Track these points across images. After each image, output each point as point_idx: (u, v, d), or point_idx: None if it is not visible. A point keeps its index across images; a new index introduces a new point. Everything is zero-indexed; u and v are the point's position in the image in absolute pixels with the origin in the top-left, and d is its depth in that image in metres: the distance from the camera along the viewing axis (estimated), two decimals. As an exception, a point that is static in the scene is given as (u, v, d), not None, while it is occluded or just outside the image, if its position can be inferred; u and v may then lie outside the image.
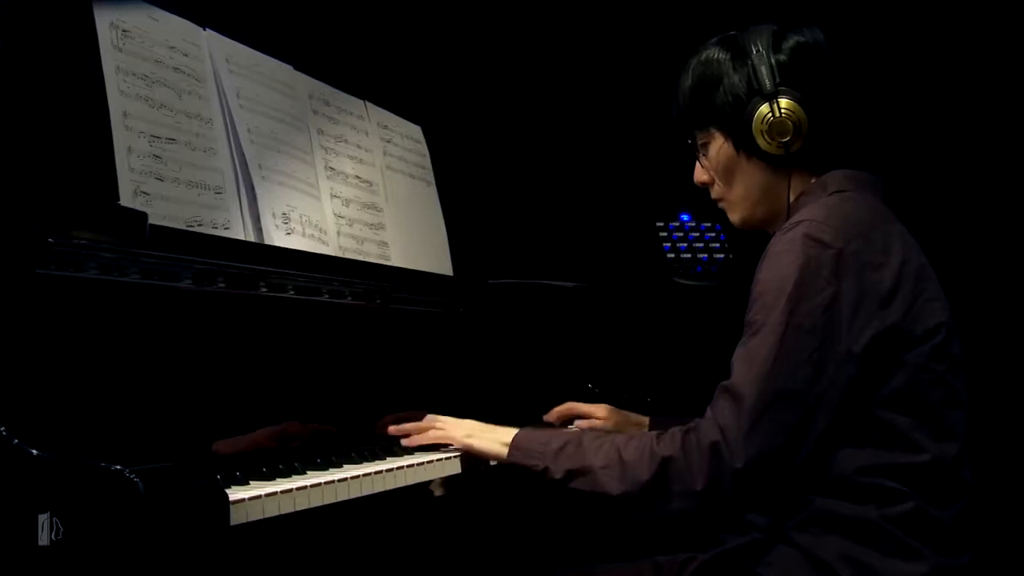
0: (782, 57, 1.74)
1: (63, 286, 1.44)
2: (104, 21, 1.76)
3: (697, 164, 1.86)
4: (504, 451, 1.83)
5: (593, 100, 3.30)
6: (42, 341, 1.40)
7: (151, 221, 1.55)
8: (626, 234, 3.22)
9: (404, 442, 1.93)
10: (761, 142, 1.73)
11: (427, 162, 2.64)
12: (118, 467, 1.25)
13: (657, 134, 3.24)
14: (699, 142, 1.83)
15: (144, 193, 1.74)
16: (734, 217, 1.85)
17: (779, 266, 1.61)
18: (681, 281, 3.05)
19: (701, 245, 3.10)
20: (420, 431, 1.94)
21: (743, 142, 1.76)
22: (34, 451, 1.28)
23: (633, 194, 3.28)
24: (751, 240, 1.89)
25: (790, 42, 1.75)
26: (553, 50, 3.24)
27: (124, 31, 1.80)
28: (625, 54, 3.27)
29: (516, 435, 1.83)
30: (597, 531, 2.63)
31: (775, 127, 1.72)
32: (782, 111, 1.71)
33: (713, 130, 1.80)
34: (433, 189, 2.64)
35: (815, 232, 1.60)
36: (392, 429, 1.95)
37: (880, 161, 1.93)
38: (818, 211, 1.65)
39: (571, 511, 2.50)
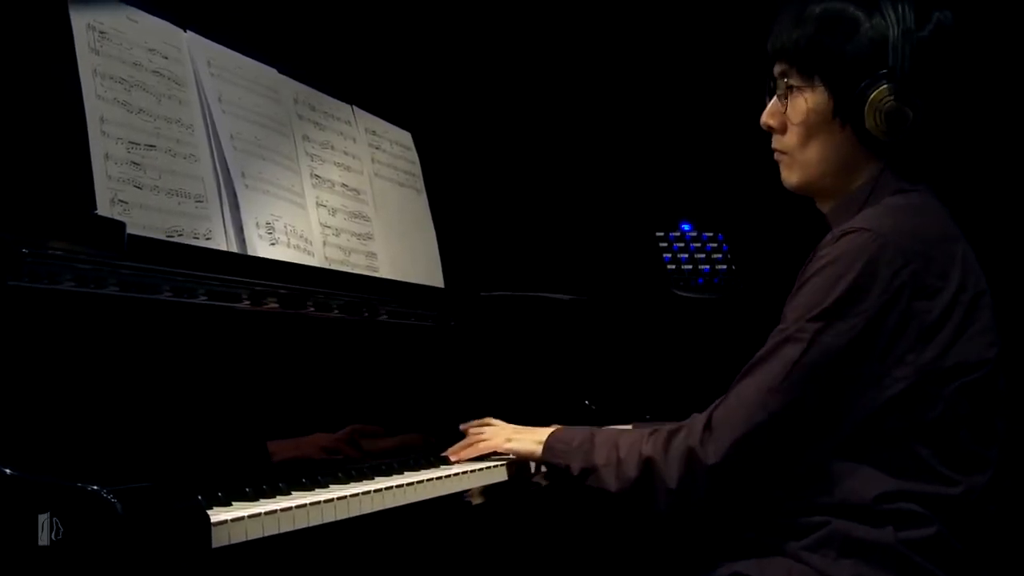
0: (924, 35, 1.63)
1: (37, 298, 1.44)
2: (80, 22, 1.76)
3: (772, 103, 1.76)
4: (538, 449, 1.97)
5: (590, 104, 3.31)
6: (16, 355, 1.40)
7: (129, 231, 1.55)
8: (624, 244, 3.22)
9: (453, 457, 2.07)
10: (869, 121, 1.64)
11: (417, 169, 2.65)
12: (95, 487, 1.25)
13: (657, 138, 3.27)
14: (790, 83, 1.72)
15: (122, 202, 1.74)
16: (792, 177, 1.77)
17: (828, 275, 1.59)
18: (681, 293, 3.06)
19: (703, 256, 3.10)
20: (466, 445, 2.08)
21: (847, 110, 1.67)
22: (7, 470, 1.28)
23: (631, 202, 3.29)
24: (754, 251, 1.90)
25: (933, 20, 1.65)
26: (548, 53, 3.25)
27: (101, 33, 1.80)
28: (624, 56, 3.29)
29: (550, 435, 1.97)
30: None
31: (893, 114, 1.64)
32: (907, 101, 1.63)
33: (818, 82, 1.69)
34: (423, 197, 2.65)
35: (878, 247, 1.57)
36: (464, 427, 2.13)
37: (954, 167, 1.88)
38: (884, 220, 1.61)
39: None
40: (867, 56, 1.65)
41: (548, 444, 1.96)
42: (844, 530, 1.60)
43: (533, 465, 2.08)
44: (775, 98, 1.76)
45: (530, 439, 2.01)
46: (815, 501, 1.62)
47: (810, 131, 1.72)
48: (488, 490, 2.04)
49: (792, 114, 1.73)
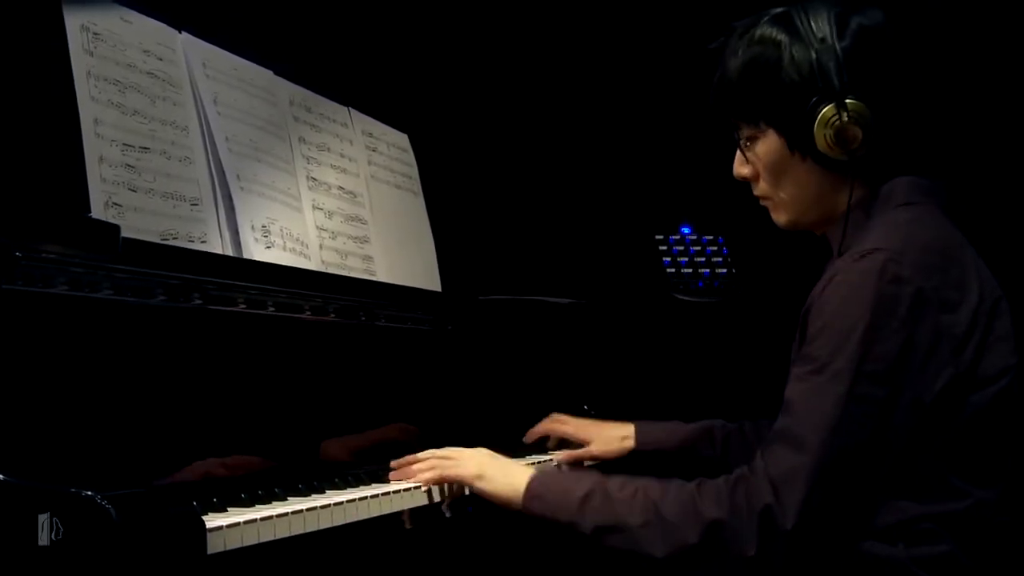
0: (846, 44, 1.62)
1: (31, 302, 1.44)
2: (74, 23, 1.77)
3: (738, 155, 1.76)
4: (519, 499, 1.77)
5: (589, 106, 3.31)
6: (9, 359, 1.40)
7: (124, 234, 1.55)
8: (624, 248, 3.22)
9: (406, 480, 1.86)
10: (822, 146, 1.63)
11: (414, 172, 2.65)
12: (89, 493, 1.25)
13: (656, 141, 3.28)
14: (744, 134, 1.73)
15: (116, 205, 1.74)
16: (781, 219, 1.77)
17: (851, 301, 1.56)
18: (682, 297, 3.06)
19: (703, 259, 3.10)
20: (424, 469, 1.88)
21: (800, 143, 1.66)
22: (1, 476, 1.29)
23: (631, 205, 3.29)
24: (755, 254, 1.89)
25: (853, 26, 1.63)
26: (547, 55, 3.25)
27: (95, 34, 1.81)
28: (623, 58, 3.29)
29: (531, 480, 1.77)
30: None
31: (841, 133, 1.62)
32: (851, 115, 1.61)
33: (764, 125, 1.70)
34: (421, 200, 2.65)
35: (893, 267, 1.55)
36: (394, 464, 1.91)
37: (940, 162, 1.85)
38: (893, 238, 1.59)
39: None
40: (798, 85, 1.64)
41: (535, 492, 1.75)
42: (856, 544, 1.60)
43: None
44: (738, 150, 1.76)
45: (505, 482, 1.80)
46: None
47: (777, 173, 1.72)
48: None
49: (756, 162, 1.74)
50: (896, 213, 1.66)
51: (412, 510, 1.85)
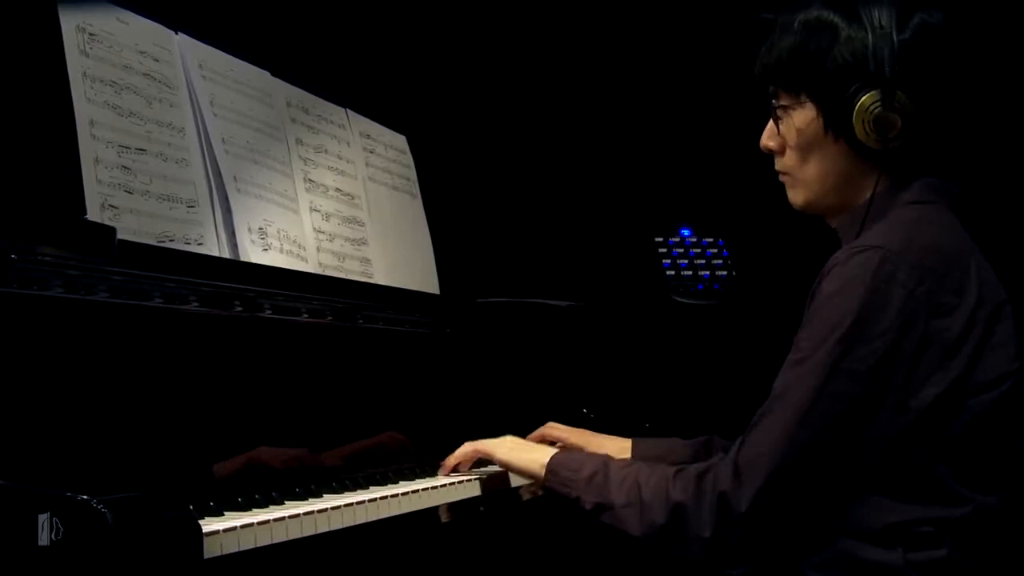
0: (905, 37, 1.62)
1: (26, 305, 1.44)
2: (70, 24, 1.77)
3: (769, 126, 1.77)
4: (541, 472, 1.87)
5: (588, 108, 3.31)
6: (4, 362, 1.40)
7: (120, 236, 1.56)
8: (623, 250, 3.23)
9: (448, 463, 2.04)
10: (859, 131, 1.64)
11: (412, 173, 2.66)
12: (85, 497, 1.25)
13: (656, 143, 3.28)
14: (781, 103, 1.73)
15: (112, 207, 1.75)
16: (797, 197, 1.77)
17: (842, 295, 1.57)
18: (681, 300, 3.06)
19: (703, 262, 3.10)
20: (461, 449, 2.03)
21: (837, 123, 1.67)
22: (-4, 480, 1.29)
23: (630, 207, 3.29)
24: (756, 257, 1.89)
25: (915, 20, 1.63)
26: (547, 56, 3.26)
27: (91, 35, 1.81)
28: (622, 60, 3.29)
29: (552, 457, 1.88)
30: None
31: (881, 120, 1.63)
32: (894, 105, 1.62)
33: (804, 98, 1.70)
34: (419, 202, 2.65)
35: (888, 267, 1.55)
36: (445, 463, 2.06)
37: (955, 165, 1.85)
38: (895, 237, 1.59)
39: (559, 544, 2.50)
40: (849, 66, 1.64)
41: (552, 468, 1.86)
42: (852, 551, 1.59)
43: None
44: (771, 120, 1.77)
45: (531, 458, 1.92)
46: (823, 519, 1.61)
47: (806, 149, 1.72)
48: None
49: (787, 134, 1.74)
50: (904, 211, 1.66)
51: (415, 513, 1.86)
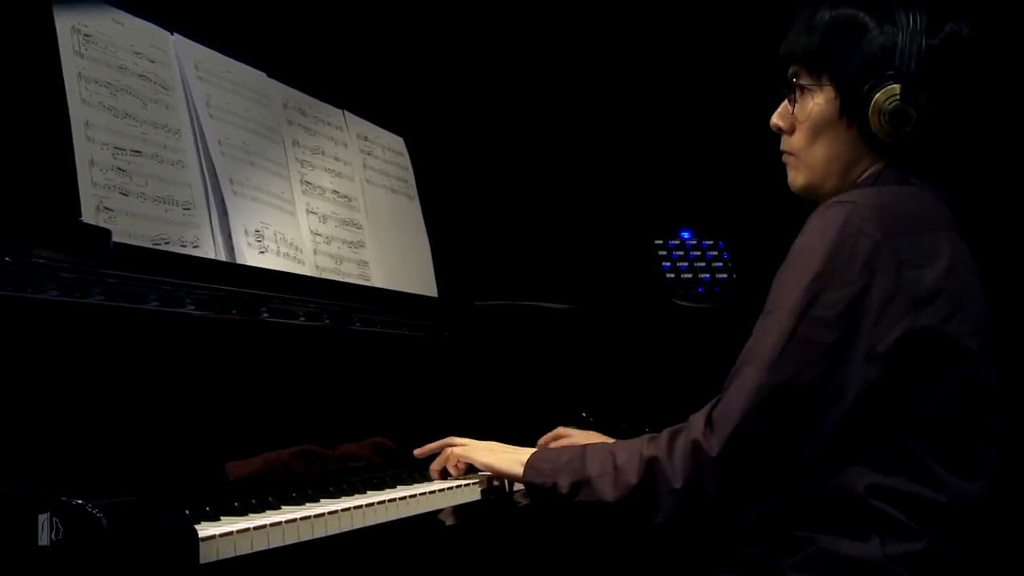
0: (934, 42, 1.69)
1: (21, 308, 1.44)
2: (65, 25, 1.77)
3: (783, 105, 1.82)
4: (520, 470, 1.88)
5: (587, 109, 3.32)
6: (-2, 366, 1.40)
7: (115, 239, 1.55)
8: (623, 253, 3.23)
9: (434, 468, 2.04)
10: (873, 120, 1.70)
11: (410, 175, 2.66)
12: (79, 501, 1.25)
13: (656, 145, 3.28)
14: (799, 83, 1.78)
15: (107, 209, 1.75)
16: (798, 179, 1.82)
17: (810, 245, 1.62)
18: (681, 303, 3.06)
19: (703, 264, 3.11)
20: (444, 456, 2.03)
21: (853, 109, 1.72)
22: (-10, 484, 1.29)
23: (630, 210, 3.29)
24: (756, 259, 1.90)
25: (946, 29, 1.70)
26: (546, 57, 3.26)
27: (86, 36, 1.81)
28: (622, 61, 3.29)
29: (532, 454, 1.90)
30: None
31: (897, 114, 1.69)
32: (913, 102, 1.68)
33: (826, 81, 1.75)
34: (416, 204, 2.65)
35: (857, 219, 1.60)
36: (417, 452, 2.06)
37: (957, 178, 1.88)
38: (870, 197, 1.65)
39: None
40: (875, 58, 1.70)
41: (531, 463, 1.87)
42: (831, 548, 1.60)
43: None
44: (785, 100, 1.81)
45: (512, 458, 1.93)
46: (804, 502, 1.63)
47: (817, 130, 1.77)
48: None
49: (800, 114, 1.78)
50: (888, 185, 1.72)
51: (414, 517, 1.85)
